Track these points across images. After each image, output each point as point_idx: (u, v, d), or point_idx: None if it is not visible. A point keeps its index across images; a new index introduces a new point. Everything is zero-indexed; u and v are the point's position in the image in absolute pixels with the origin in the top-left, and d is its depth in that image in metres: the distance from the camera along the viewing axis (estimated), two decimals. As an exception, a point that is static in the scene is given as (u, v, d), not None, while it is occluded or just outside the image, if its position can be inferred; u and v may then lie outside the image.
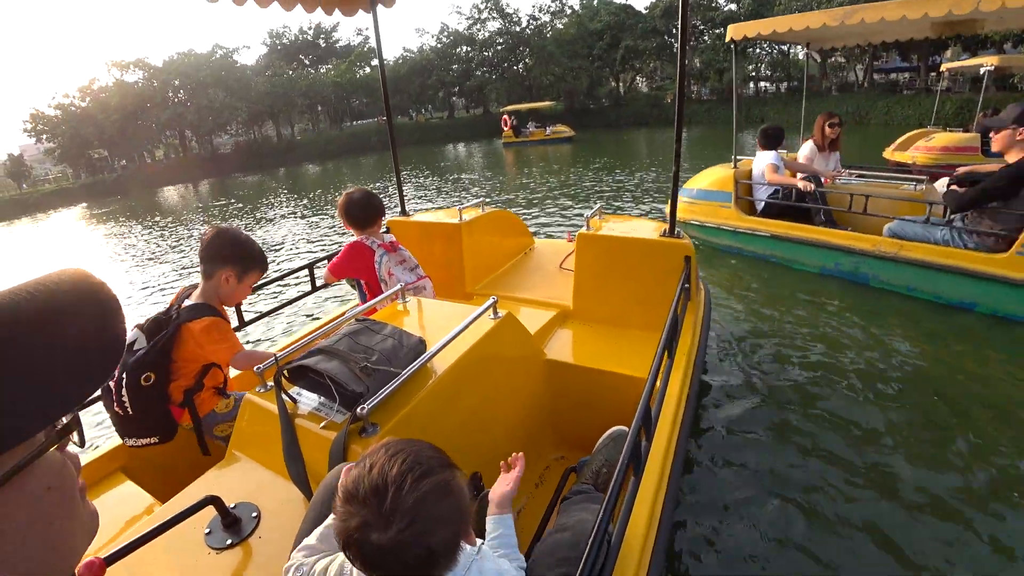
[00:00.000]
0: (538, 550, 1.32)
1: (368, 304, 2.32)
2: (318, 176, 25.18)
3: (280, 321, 5.23)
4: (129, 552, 1.19)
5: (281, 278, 3.10)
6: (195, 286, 1.99)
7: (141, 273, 8.98)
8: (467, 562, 0.94)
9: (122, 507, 1.82)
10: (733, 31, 5.50)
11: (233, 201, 18.39)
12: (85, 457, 2.01)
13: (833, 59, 33.34)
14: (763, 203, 5.23)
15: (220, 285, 1.94)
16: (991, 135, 3.91)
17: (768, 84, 39.00)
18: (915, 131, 10.62)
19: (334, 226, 10.87)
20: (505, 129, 28.72)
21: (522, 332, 2.16)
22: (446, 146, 33.91)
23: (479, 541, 1.10)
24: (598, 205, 3.24)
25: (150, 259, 10.10)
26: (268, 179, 26.85)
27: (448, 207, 3.96)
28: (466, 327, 1.78)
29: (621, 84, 43.72)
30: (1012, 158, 3.76)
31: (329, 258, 3.20)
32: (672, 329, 1.87)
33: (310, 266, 3.11)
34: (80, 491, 0.65)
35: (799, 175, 5.16)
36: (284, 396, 1.54)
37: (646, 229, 2.89)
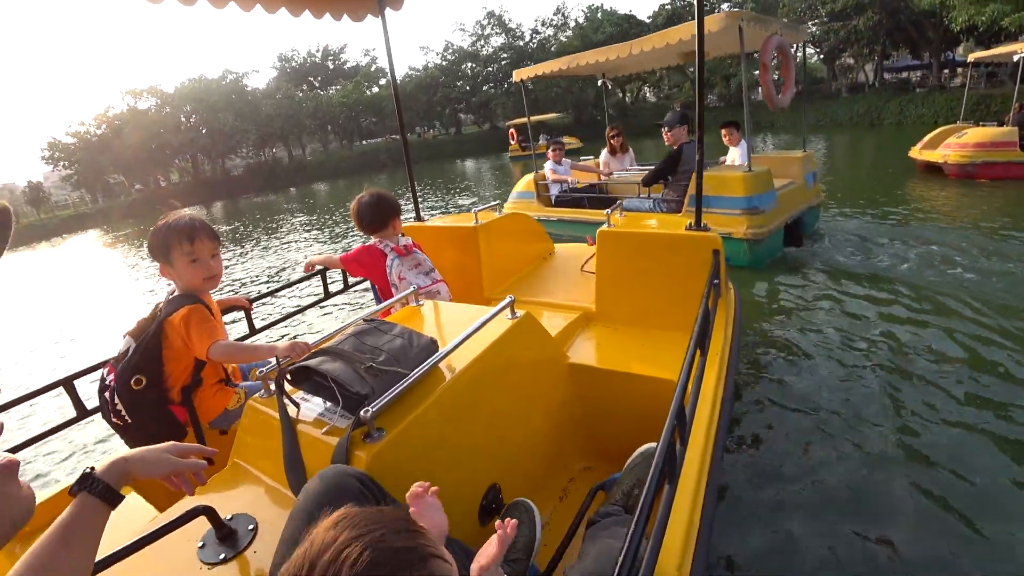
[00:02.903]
0: None
1: (380, 307, 2.20)
2: (328, 194, 25.36)
3: (293, 330, 5.23)
4: (113, 563, 1.08)
5: (290, 285, 3.07)
6: None
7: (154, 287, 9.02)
8: None
9: (115, 517, 1.68)
10: (517, 75, 7.29)
11: (242, 224, 18.54)
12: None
13: (841, 60, 33.10)
14: (555, 196, 7.13)
15: (171, 278, 1.84)
16: (664, 133, 5.38)
17: (775, 89, 38.89)
18: (944, 127, 10.04)
19: (333, 240, 10.83)
20: (512, 143, 28.78)
21: (542, 333, 2.02)
22: (455, 162, 34.03)
23: None
24: (619, 202, 3.12)
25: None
26: (280, 199, 27.12)
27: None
28: (481, 326, 1.65)
29: (627, 95, 43.77)
30: (675, 147, 5.26)
31: None
32: (704, 324, 1.71)
33: (322, 272, 3.01)
34: (7, 468, 0.71)
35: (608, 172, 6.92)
36: (286, 400, 1.42)
37: (671, 224, 2.75)
